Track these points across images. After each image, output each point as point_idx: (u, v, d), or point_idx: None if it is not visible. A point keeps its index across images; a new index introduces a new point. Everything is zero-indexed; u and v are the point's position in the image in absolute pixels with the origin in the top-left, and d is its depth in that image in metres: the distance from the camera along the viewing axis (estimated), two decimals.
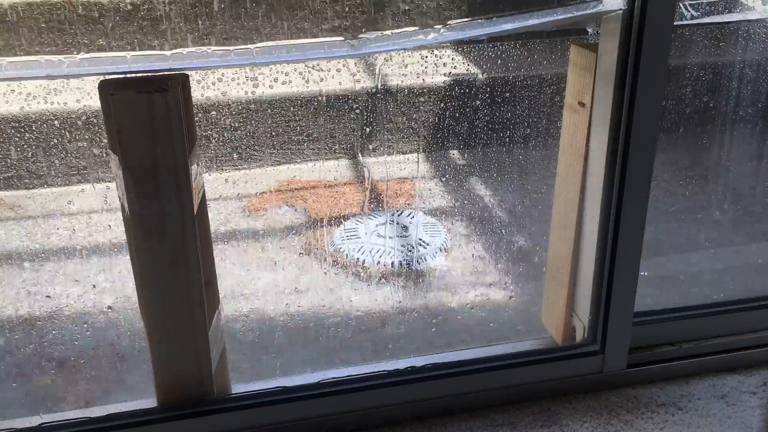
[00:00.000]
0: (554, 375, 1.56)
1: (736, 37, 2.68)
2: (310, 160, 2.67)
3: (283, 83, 2.50)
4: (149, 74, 1.21)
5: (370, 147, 2.71)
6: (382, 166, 2.68)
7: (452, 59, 2.71)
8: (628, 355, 1.58)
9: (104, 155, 2.33)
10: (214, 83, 2.34)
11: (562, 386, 1.57)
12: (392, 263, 2.13)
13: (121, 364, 1.77)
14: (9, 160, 2.41)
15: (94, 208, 2.31)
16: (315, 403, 1.45)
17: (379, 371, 1.49)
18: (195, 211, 1.26)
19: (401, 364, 1.51)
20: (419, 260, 2.15)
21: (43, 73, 1.22)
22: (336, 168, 2.64)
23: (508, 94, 2.69)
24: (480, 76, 2.72)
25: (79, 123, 2.32)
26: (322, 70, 2.54)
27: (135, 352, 1.79)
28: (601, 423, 1.51)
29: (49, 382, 1.73)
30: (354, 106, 2.65)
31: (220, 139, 2.57)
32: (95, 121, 2.30)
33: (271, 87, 2.44)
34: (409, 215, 2.37)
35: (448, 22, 1.36)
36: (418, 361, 1.52)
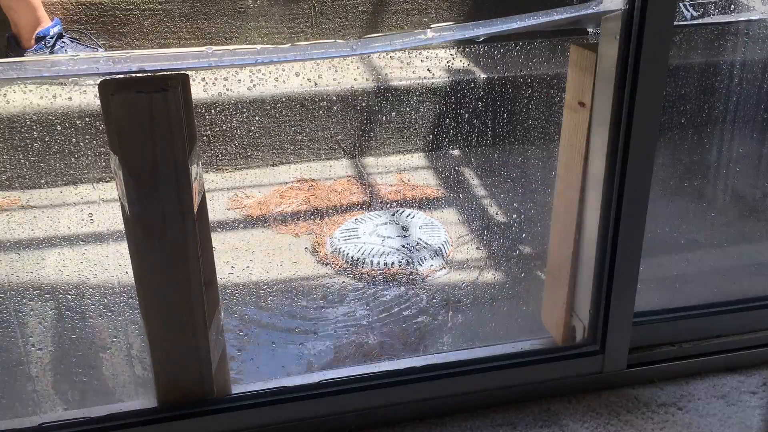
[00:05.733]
0: (554, 375, 1.56)
1: (736, 37, 2.69)
2: (309, 160, 2.67)
3: (282, 81, 2.50)
4: (149, 74, 1.21)
5: (370, 146, 2.71)
6: (382, 165, 2.68)
7: (453, 59, 2.71)
8: (628, 355, 1.58)
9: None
10: (214, 82, 2.34)
11: (562, 386, 1.57)
12: (392, 263, 2.13)
13: None
14: None
15: None
16: (315, 403, 1.45)
17: (379, 371, 1.49)
18: (195, 211, 1.26)
19: (401, 364, 1.51)
20: (419, 260, 2.14)
21: (43, 74, 1.22)
22: (335, 168, 2.64)
23: (508, 94, 2.70)
24: (480, 75, 2.72)
25: None
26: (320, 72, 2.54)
27: None
28: (601, 423, 1.51)
29: None
30: (353, 106, 2.65)
31: (220, 138, 2.57)
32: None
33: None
34: (408, 215, 2.37)
35: (448, 22, 1.36)
36: (418, 361, 1.51)
